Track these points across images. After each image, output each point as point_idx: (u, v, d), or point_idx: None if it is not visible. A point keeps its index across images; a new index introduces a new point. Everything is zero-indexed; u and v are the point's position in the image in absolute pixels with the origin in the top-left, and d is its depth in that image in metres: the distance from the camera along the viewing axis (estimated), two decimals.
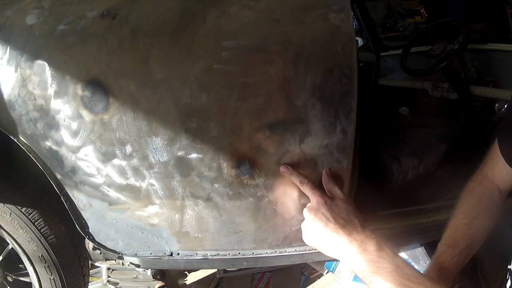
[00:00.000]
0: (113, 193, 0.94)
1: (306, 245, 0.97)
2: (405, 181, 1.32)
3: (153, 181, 0.91)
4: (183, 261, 1.02)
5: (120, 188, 0.93)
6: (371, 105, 2.20)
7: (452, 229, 0.85)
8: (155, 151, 0.88)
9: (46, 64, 0.89)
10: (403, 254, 1.33)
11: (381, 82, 2.45)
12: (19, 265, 1.20)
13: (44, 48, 0.91)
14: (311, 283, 1.58)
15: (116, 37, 0.88)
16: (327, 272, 1.59)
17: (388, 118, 1.89)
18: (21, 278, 1.20)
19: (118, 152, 0.90)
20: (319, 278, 1.60)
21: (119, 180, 0.92)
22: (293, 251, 0.99)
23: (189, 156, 0.88)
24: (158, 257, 1.02)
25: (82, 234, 1.02)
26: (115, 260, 1.06)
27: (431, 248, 1.26)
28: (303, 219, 0.84)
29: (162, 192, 0.93)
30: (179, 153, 0.88)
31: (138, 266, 1.06)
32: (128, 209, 0.96)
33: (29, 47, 0.91)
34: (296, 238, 0.97)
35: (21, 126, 0.94)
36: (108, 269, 1.51)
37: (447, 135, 1.53)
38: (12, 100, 0.92)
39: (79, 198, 0.97)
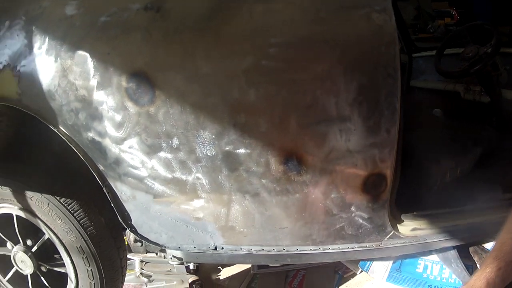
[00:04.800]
0: (158, 186, 0.94)
1: (348, 242, 0.98)
2: (443, 183, 1.31)
3: (199, 175, 0.91)
4: (227, 255, 1.02)
5: (166, 181, 0.93)
6: (404, 106, 2.17)
7: (500, 242, 0.82)
8: (203, 145, 0.88)
9: (88, 55, 0.89)
10: (434, 257, 1.32)
11: (413, 83, 2.43)
12: (54, 256, 1.20)
13: (85, 39, 0.90)
14: (345, 282, 1.56)
15: (161, 30, 0.88)
16: (361, 271, 1.56)
17: (422, 120, 1.88)
18: (56, 269, 1.20)
19: (164, 145, 0.89)
20: (353, 277, 1.57)
21: (164, 173, 0.92)
22: (337, 249, 0.99)
23: (237, 151, 0.88)
24: (202, 251, 1.02)
25: (125, 226, 1.02)
26: (156, 253, 1.06)
27: (463, 251, 1.24)
28: (347, 217, 0.83)
29: (208, 186, 0.92)
30: (227, 148, 0.88)
31: (180, 259, 1.06)
32: (173, 202, 0.96)
33: (70, 37, 0.91)
34: (339, 235, 0.97)
35: (62, 116, 0.94)
36: (141, 261, 1.50)
37: (481, 139, 1.52)
38: (52, 90, 0.92)
39: (122, 190, 0.97)
